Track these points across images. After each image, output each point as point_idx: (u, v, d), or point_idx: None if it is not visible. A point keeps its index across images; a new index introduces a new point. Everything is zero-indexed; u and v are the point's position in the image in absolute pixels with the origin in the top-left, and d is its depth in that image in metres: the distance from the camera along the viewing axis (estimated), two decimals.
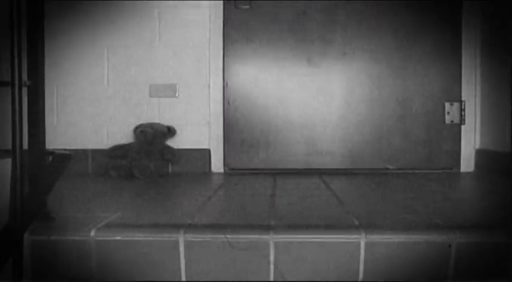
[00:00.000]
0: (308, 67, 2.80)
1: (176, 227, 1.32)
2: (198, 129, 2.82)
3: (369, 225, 1.33)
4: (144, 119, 2.80)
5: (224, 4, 2.80)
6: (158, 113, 2.81)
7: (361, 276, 1.27)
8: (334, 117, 2.80)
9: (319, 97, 2.80)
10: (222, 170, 2.81)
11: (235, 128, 2.81)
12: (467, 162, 2.81)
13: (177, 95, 2.81)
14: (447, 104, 2.80)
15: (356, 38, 2.80)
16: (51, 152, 1.48)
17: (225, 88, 2.80)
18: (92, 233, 1.30)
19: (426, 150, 2.81)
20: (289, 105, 2.81)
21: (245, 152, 2.80)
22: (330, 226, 1.34)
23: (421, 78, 2.80)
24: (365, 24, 2.80)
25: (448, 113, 2.80)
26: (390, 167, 2.76)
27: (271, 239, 1.28)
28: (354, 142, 2.80)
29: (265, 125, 2.81)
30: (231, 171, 2.78)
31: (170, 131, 2.74)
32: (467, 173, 2.70)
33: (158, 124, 2.73)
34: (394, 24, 2.79)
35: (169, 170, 2.79)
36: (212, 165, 2.82)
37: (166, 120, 2.80)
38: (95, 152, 2.80)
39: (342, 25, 2.79)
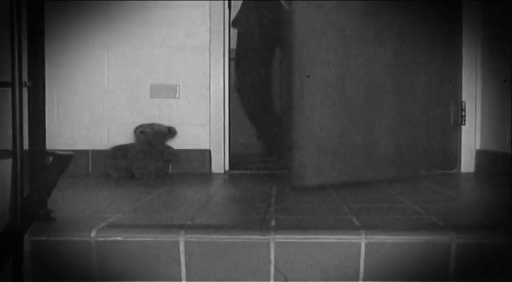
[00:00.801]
0: None
1: (176, 227, 1.32)
2: (198, 130, 2.82)
3: (369, 226, 1.33)
4: (145, 120, 2.79)
5: (224, 3, 2.79)
6: (159, 114, 2.81)
7: (361, 277, 1.27)
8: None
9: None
10: (222, 171, 2.81)
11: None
12: (467, 163, 2.80)
13: (177, 95, 2.81)
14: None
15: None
16: (52, 153, 1.48)
17: (225, 88, 2.80)
18: (93, 234, 1.30)
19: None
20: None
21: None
22: (331, 226, 1.34)
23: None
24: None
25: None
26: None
27: (272, 239, 1.28)
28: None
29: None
30: (232, 172, 2.78)
31: (170, 132, 2.74)
32: (468, 174, 2.70)
33: (158, 124, 2.73)
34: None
35: (170, 171, 2.79)
36: (212, 165, 2.82)
37: (166, 121, 2.79)
38: (95, 152, 2.80)
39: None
